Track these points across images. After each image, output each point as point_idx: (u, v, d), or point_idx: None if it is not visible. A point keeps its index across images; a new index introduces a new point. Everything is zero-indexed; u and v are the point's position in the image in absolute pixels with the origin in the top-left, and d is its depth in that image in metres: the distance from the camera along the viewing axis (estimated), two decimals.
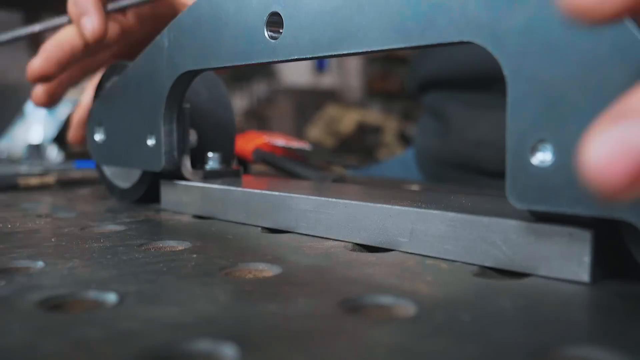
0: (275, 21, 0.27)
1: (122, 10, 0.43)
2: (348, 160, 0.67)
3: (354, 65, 4.20)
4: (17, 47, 0.66)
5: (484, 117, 0.58)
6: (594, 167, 0.12)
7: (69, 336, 0.15)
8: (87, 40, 0.40)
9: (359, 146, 3.07)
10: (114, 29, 0.43)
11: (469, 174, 0.62)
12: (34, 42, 0.65)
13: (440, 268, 0.22)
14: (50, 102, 0.46)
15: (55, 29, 0.43)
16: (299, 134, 3.09)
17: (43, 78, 0.42)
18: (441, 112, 0.68)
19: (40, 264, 0.23)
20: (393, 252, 0.24)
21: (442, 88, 0.68)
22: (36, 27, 0.44)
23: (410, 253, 0.24)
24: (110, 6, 0.42)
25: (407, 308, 0.17)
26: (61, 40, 0.41)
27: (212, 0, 0.30)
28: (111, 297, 0.18)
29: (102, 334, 0.15)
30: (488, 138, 0.57)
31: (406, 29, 0.22)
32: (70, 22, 0.42)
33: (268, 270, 0.22)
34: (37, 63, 0.41)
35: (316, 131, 3.21)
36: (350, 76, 4.30)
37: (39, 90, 0.46)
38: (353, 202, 0.26)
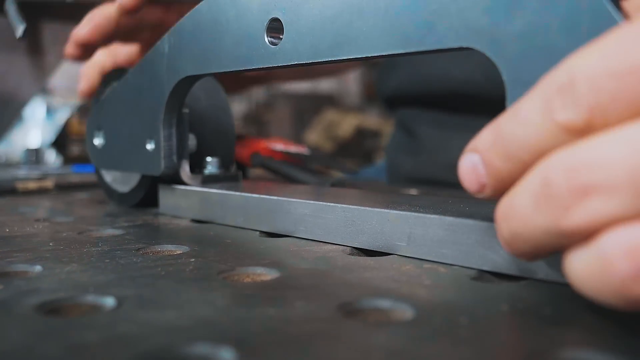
0: (275, 27, 0.27)
1: None
2: (347, 165, 0.66)
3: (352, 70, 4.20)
4: (16, 52, 0.66)
5: (457, 139, 0.57)
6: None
7: (67, 340, 0.15)
8: (122, 10, 0.42)
9: (358, 150, 3.06)
10: (152, 13, 0.45)
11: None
12: (33, 47, 0.65)
13: (438, 272, 0.22)
14: (85, 56, 0.47)
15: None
16: (298, 139, 3.09)
17: (87, 45, 0.43)
18: (412, 130, 0.68)
19: (38, 268, 0.23)
20: (391, 256, 0.25)
21: (412, 105, 0.67)
22: None
23: (409, 257, 0.24)
24: None
25: (405, 312, 0.17)
26: (107, 12, 0.43)
27: (212, 6, 0.30)
28: (109, 301, 0.18)
29: (100, 338, 0.15)
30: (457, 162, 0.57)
31: (406, 35, 0.22)
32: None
33: (266, 274, 0.22)
34: (85, 30, 0.42)
35: (315, 136, 3.21)
36: (348, 81, 4.31)
37: (73, 46, 0.46)
38: (351, 206, 0.26)
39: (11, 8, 0.49)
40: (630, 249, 0.13)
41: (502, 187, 0.17)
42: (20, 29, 0.46)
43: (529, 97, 0.16)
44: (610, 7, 0.17)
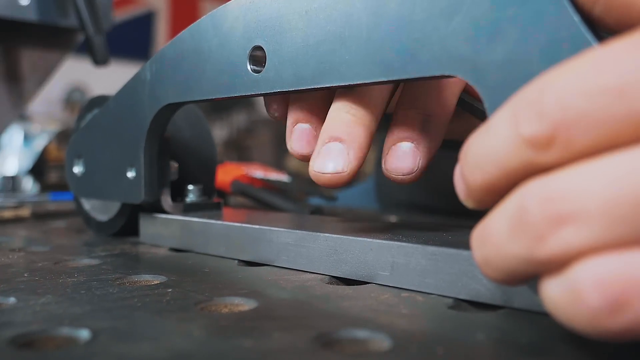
0: (258, 55, 0.28)
1: None
2: (326, 191, 0.67)
3: None
4: None
5: (442, 162, 0.57)
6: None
7: None
8: None
9: None
10: None
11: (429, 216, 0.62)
12: (11, 74, 0.65)
13: (416, 301, 0.22)
14: None
15: None
16: (279, 164, 3.09)
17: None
18: None
19: (12, 299, 0.22)
20: (369, 284, 0.25)
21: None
22: None
23: (387, 286, 0.24)
24: None
25: (382, 342, 0.17)
26: None
27: (195, 34, 0.30)
28: (84, 334, 0.18)
29: None
30: (444, 186, 0.57)
31: (388, 63, 0.23)
32: None
33: (244, 304, 0.22)
34: None
35: (295, 161, 3.21)
36: None
37: None
38: (334, 235, 0.26)
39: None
40: (600, 281, 0.13)
41: (479, 198, 0.17)
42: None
43: (501, 110, 0.16)
44: (590, 37, 0.17)
